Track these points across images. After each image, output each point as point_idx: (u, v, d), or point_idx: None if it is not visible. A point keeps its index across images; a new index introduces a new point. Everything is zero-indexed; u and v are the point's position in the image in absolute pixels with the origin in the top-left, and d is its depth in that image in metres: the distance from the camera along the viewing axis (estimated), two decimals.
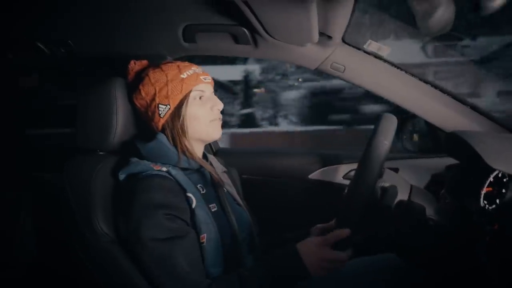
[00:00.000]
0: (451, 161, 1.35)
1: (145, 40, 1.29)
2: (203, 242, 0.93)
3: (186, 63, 1.03)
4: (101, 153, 1.06)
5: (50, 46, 1.36)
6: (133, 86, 1.04)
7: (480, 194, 0.98)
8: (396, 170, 1.45)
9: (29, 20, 1.24)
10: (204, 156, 1.13)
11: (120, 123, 1.01)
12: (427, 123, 1.36)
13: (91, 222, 0.94)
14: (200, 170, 1.04)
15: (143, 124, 1.07)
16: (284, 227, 1.22)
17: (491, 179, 1.02)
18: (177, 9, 1.15)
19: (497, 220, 0.76)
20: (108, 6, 1.16)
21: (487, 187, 1.01)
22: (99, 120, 1.01)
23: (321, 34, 1.17)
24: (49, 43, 1.35)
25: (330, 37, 1.19)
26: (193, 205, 0.93)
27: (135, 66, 1.06)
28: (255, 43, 1.25)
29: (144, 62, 1.08)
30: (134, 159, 0.99)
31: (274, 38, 1.18)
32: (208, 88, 1.04)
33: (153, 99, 0.99)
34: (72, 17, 1.22)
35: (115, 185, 1.01)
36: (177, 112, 0.99)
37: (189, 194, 0.94)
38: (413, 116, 1.50)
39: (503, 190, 0.91)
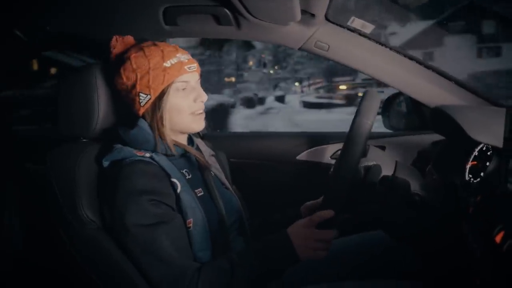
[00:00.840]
0: (437, 137, 1.36)
1: (125, 23, 1.26)
2: (189, 227, 0.92)
3: (171, 48, 0.98)
4: (84, 140, 1.04)
5: (28, 32, 1.32)
6: (114, 68, 0.99)
7: (465, 168, 0.99)
8: (383, 148, 1.45)
9: (6, 6, 1.20)
10: (191, 140, 1.12)
11: (102, 109, 0.99)
12: (412, 99, 1.36)
13: (76, 209, 0.93)
14: (185, 155, 1.03)
15: (126, 109, 1.05)
16: (273, 209, 1.23)
17: (476, 153, 1.04)
18: None
19: (480, 192, 0.77)
20: None
21: (472, 161, 1.02)
22: (80, 108, 0.99)
23: (304, 12, 1.15)
24: (27, 30, 1.31)
25: (313, 15, 1.17)
26: (178, 190, 0.93)
27: (117, 44, 1.01)
28: (238, 24, 1.23)
29: (129, 39, 1.03)
30: (118, 146, 0.97)
31: (256, 18, 1.16)
32: (193, 77, 0.99)
33: (133, 86, 0.95)
34: (50, 3, 1.19)
35: (99, 172, 0.99)
36: (158, 102, 0.95)
37: (174, 180, 0.93)
38: (399, 93, 1.50)
39: (487, 163, 0.92)
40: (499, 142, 0.79)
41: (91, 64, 1.01)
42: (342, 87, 14.44)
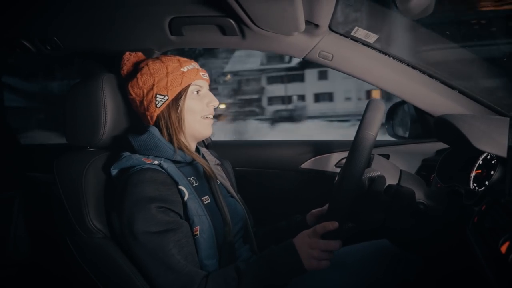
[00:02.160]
0: (441, 145, 1.36)
1: (132, 35, 1.28)
2: (196, 235, 0.93)
3: (186, 59, 1.05)
4: (91, 149, 1.05)
5: (36, 43, 1.34)
6: (129, 76, 1.04)
7: (469, 177, 0.99)
8: (387, 156, 1.46)
9: (14, 18, 1.22)
10: (197, 150, 1.13)
11: (109, 119, 1.01)
12: (416, 108, 1.36)
13: (84, 219, 0.94)
14: (192, 163, 1.04)
15: (134, 118, 1.06)
16: (278, 217, 1.23)
17: (480, 161, 1.04)
18: (161, 2, 1.14)
19: (484, 201, 0.77)
20: (93, 3, 1.15)
21: (477, 169, 1.02)
22: (87, 117, 1.01)
23: (308, 22, 1.17)
24: (35, 41, 1.33)
25: (317, 26, 1.18)
26: (185, 198, 0.94)
27: (130, 57, 1.08)
28: (243, 34, 1.24)
29: (139, 54, 1.10)
30: (126, 154, 0.99)
31: (261, 28, 1.18)
32: (205, 84, 1.06)
33: (151, 89, 0.99)
34: (57, 14, 1.21)
35: (106, 180, 1.01)
36: (175, 103, 1.00)
37: (181, 187, 0.94)
38: (403, 101, 1.51)
39: (492, 172, 0.92)
40: (503, 152, 0.79)
41: (98, 75, 1.03)
42: None
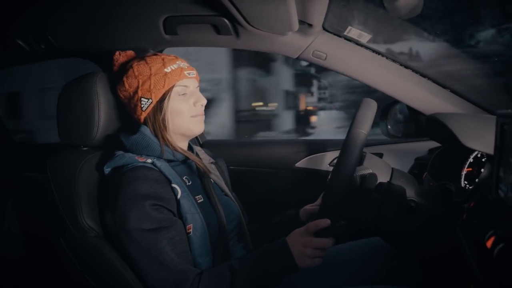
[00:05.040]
0: (433, 144, 1.37)
1: (126, 34, 1.28)
2: (189, 232, 0.93)
3: (172, 56, 1.02)
4: (84, 148, 1.06)
5: (30, 42, 1.34)
6: (117, 77, 1.03)
7: (460, 174, 1.00)
8: (380, 155, 1.47)
9: (9, 16, 1.22)
10: (190, 148, 1.13)
11: (102, 118, 1.01)
12: (409, 107, 1.38)
13: (77, 218, 0.94)
14: (186, 162, 1.05)
15: (127, 117, 1.07)
16: (273, 216, 1.24)
17: (471, 159, 1.05)
18: (156, 1, 1.14)
19: (473, 198, 0.78)
20: (88, 2, 1.15)
21: (468, 167, 1.03)
22: (81, 116, 1.01)
23: (302, 22, 1.18)
24: (29, 40, 1.33)
25: (310, 25, 1.19)
26: (178, 196, 0.94)
27: (120, 57, 1.06)
28: (237, 34, 1.25)
29: (130, 53, 1.08)
30: (119, 152, 0.99)
31: (255, 28, 1.19)
32: (192, 83, 1.03)
33: (136, 92, 0.99)
34: (51, 13, 1.21)
35: (100, 179, 1.01)
36: (159, 106, 0.99)
37: (174, 185, 0.95)
38: (396, 101, 1.52)
39: (482, 170, 0.93)
40: (491, 149, 0.80)
41: (91, 73, 1.03)
42: None
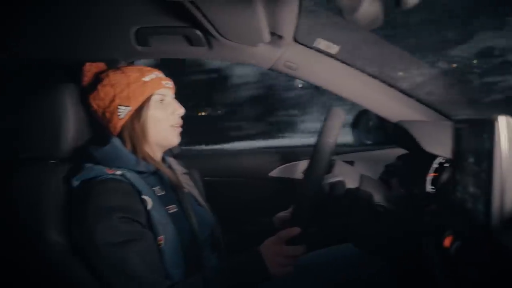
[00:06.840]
0: (402, 151, 1.42)
1: (96, 45, 1.26)
2: (160, 244, 0.93)
3: (148, 68, 1.04)
4: (51, 161, 1.03)
5: None
6: (90, 88, 1.02)
7: (425, 179, 1.04)
8: (351, 163, 1.50)
9: None
10: (163, 159, 1.13)
11: (71, 130, 0.99)
12: (378, 116, 1.42)
13: (43, 231, 0.91)
14: (157, 173, 1.04)
15: (97, 128, 1.05)
16: (247, 226, 1.24)
17: (436, 165, 1.09)
18: (127, 11, 1.13)
19: (435, 202, 0.81)
20: (57, 12, 1.13)
21: (435, 172, 1.07)
22: (48, 128, 0.99)
23: (273, 34, 1.20)
24: None
25: (281, 37, 1.22)
26: (148, 207, 0.93)
27: (91, 67, 1.06)
28: (209, 45, 1.26)
29: (101, 64, 1.08)
30: (88, 165, 0.97)
31: (226, 39, 1.20)
32: (169, 93, 1.05)
33: (112, 100, 0.98)
34: (13, 22, 1.18)
35: (67, 192, 0.98)
36: (138, 113, 0.99)
37: (144, 196, 0.94)
38: (366, 110, 1.57)
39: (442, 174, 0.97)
40: (450, 154, 0.84)
41: (60, 85, 1.02)
42: None
